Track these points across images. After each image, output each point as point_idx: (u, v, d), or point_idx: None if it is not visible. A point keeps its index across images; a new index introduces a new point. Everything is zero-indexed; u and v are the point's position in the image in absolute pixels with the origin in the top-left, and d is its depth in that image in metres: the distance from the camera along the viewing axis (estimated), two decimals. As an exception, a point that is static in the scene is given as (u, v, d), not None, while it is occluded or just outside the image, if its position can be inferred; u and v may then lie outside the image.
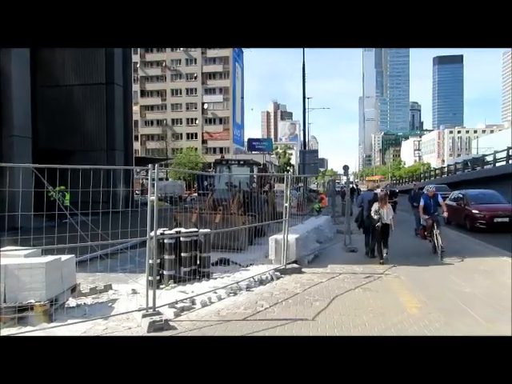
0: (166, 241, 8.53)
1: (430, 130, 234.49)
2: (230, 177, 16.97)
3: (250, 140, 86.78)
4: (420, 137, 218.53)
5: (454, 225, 19.30)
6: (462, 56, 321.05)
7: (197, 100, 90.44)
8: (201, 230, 9.59)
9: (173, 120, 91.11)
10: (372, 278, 9.27)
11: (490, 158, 38.65)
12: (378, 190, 13.27)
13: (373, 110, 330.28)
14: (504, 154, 34.43)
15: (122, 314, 6.53)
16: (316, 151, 36.86)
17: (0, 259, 5.38)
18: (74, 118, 29.11)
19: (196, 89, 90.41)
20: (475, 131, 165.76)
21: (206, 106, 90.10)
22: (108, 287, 8.15)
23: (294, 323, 6.31)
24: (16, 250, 6.35)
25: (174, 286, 8.23)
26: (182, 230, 9.29)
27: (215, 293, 7.76)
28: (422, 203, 12.39)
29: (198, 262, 9.06)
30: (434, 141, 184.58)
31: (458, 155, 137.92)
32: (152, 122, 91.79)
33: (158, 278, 7.95)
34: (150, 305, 6.37)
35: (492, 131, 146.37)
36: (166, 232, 8.62)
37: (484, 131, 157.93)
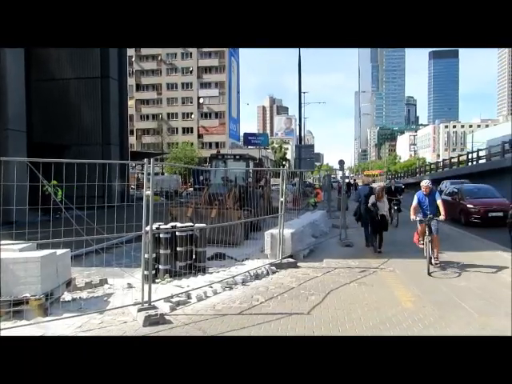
0: (161, 235, 8.53)
1: (426, 125, 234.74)
2: (226, 171, 16.94)
3: (246, 134, 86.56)
4: (415, 131, 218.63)
5: (448, 219, 19.35)
6: (457, 51, 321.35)
7: (192, 94, 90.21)
8: (196, 225, 9.59)
9: (168, 114, 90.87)
10: (367, 273, 9.31)
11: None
12: (374, 185, 13.75)
13: (368, 104, 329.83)
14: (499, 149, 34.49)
15: (118, 308, 6.53)
16: (312, 146, 36.88)
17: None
18: (69, 112, 28.97)
19: (192, 83, 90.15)
20: (470, 126, 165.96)
21: (201, 101, 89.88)
22: (103, 281, 8.15)
23: (290, 317, 6.33)
24: (11, 244, 6.34)
25: (170, 281, 8.24)
26: (178, 224, 9.29)
27: (211, 287, 7.77)
28: (414, 202, 9.93)
29: (194, 257, 9.07)
30: (429, 135, 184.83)
31: (453, 150, 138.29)
32: (147, 117, 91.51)
33: (153, 272, 7.95)
34: (146, 299, 6.38)
35: (487, 126, 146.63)
36: (161, 226, 8.62)
37: (479, 126, 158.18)
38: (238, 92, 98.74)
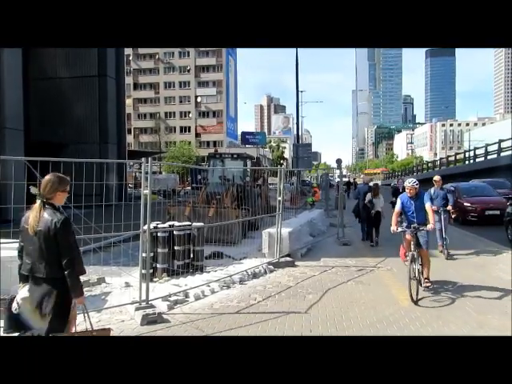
0: (159, 234, 8.54)
1: (423, 123, 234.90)
2: (224, 170, 16.95)
3: (244, 133, 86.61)
4: (413, 130, 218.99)
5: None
6: (454, 49, 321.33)
7: (190, 93, 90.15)
8: (194, 224, 9.60)
9: (166, 113, 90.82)
10: (364, 271, 9.33)
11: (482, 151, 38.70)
12: (372, 183, 14.40)
13: (366, 103, 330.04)
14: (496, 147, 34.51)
15: (115, 306, 6.54)
16: (309, 145, 36.78)
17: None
18: (66, 111, 28.90)
19: (189, 82, 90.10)
20: (467, 124, 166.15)
21: (199, 100, 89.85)
22: (101, 280, 8.15)
23: (287, 316, 6.35)
24: (8, 242, 6.33)
25: (168, 280, 8.25)
26: (176, 223, 9.30)
27: (208, 286, 7.78)
28: (397, 207, 7.86)
29: (192, 256, 9.08)
30: (426, 134, 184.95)
31: (450, 148, 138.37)
32: (145, 115, 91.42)
33: (151, 271, 7.96)
34: (144, 298, 6.39)
35: (484, 124, 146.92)
36: (159, 225, 8.63)
37: (476, 124, 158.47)
38: (236, 91, 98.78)
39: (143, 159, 6.78)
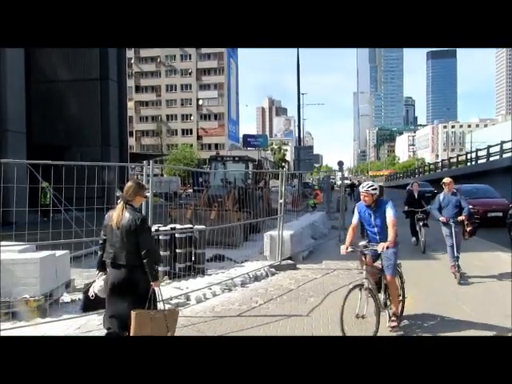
0: (161, 237, 8.53)
1: (424, 125, 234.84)
2: (225, 173, 16.96)
3: (245, 136, 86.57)
4: (414, 132, 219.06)
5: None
6: (455, 50, 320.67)
7: (192, 96, 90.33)
8: (196, 227, 9.59)
9: (167, 116, 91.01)
10: (366, 273, 9.28)
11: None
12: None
13: (367, 105, 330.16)
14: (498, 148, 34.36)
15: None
16: (311, 147, 36.84)
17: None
18: (68, 114, 28.95)
19: (191, 85, 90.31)
20: (469, 125, 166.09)
21: (200, 102, 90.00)
22: (103, 283, 8.13)
23: (289, 319, 6.33)
24: (10, 245, 6.34)
25: (169, 282, 8.23)
26: (177, 226, 9.29)
27: (210, 289, 7.77)
28: (354, 219, 6.06)
29: (193, 259, 9.06)
30: (428, 136, 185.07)
31: (452, 150, 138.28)
32: (147, 118, 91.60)
33: (152, 273, 7.95)
34: (145, 301, 6.37)
35: (486, 125, 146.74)
36: (160, 228, 8.62)
37: (478, 125, 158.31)
38: (237, 93, 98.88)
39: (145, 162, 6.79)
